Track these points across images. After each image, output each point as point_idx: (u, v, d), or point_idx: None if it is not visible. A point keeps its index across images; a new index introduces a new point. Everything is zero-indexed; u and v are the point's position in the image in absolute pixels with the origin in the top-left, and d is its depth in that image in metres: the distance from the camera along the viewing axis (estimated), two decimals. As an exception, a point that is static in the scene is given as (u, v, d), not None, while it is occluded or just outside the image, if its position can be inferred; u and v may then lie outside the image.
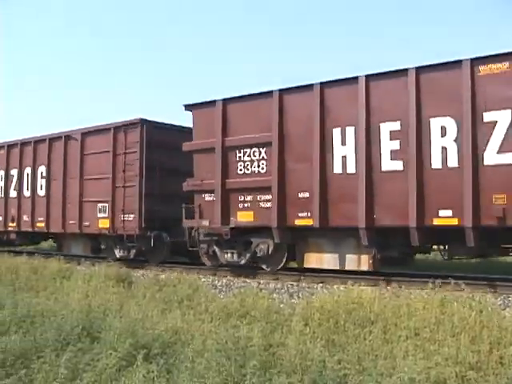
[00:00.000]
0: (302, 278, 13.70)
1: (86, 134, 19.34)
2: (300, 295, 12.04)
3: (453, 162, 11.34)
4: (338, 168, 12.82)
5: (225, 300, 10.53)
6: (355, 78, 12.69)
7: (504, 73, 10.97)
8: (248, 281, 13.82)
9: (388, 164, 12.12)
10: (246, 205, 14.53)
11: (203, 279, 14.21)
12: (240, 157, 14.67)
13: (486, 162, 11.02)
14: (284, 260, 14.49)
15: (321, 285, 12.82)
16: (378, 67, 12.65)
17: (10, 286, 12.48)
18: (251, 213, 14.42)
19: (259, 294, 10.65)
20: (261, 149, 14.26)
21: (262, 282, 13.56)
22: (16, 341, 6.86)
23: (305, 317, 8.55)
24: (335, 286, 12.27)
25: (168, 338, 7.27)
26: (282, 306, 10.36)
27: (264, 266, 14.81)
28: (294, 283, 13.24)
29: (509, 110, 10.84)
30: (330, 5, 69.10)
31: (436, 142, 11.55)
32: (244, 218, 14.57)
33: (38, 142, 21.14)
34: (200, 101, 15.64)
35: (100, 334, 7.40)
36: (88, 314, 8.21)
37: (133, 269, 16.00)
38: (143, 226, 17.02)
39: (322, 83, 13.20)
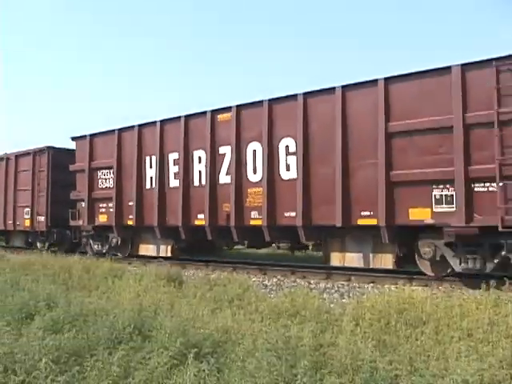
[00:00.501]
0: (353, 277, 13.65)
1: (18, 156, 25.56)
2: (350, 295, 11.98)
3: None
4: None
5: (275, 300, 10.52)
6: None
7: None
8: (298, 280, 13.81)
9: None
10: (102, 210, 20.00)
11: (253, 279, 14.25)
12: (100, 176, 20.27)
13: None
14: (129, 248, 19.69)
15: (371, 284, 12.76)
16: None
17: (63, 285, 12.66)
18: (106, 216, 19.81)
19: (309, 294, 10.62)
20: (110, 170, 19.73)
21: (312, 281, 13.54)
22: (69, 339, 6.94)
23: (355, 317, 8.49)
24: (386, 286, 12.19)
25: (218, 338, 7.28)
26: (332, 305, 10.31)
27: (118, 253, 19.94)
28: (345, 283, 13.19)
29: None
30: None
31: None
32: (102, 219, 20.02)
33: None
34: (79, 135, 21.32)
35: (151, 332, 7.45)
36: (139, 313, 8.28)
37: (183, 268, 16.11)
38: (49, 224, 23.50)
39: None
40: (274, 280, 14.10)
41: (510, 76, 11.18)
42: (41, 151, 24.29)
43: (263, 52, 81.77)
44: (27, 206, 24.67)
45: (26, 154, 25.14)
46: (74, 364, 6.27)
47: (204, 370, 5.74)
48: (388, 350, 6.87)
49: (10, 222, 25.72)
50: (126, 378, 5.86)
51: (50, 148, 24.01)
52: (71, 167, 21.52)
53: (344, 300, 11.44)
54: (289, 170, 14.36)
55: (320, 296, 11.12)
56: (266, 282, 13.91)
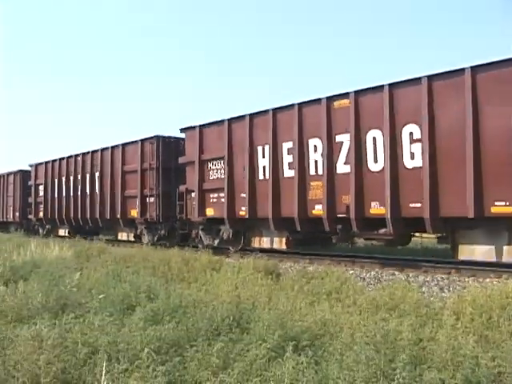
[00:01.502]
0: (453, 270, 13.34)
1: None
2: (450, 288, 11.71)
3: None
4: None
5: (373, 293, 10.41)
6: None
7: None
8: (396, 273, 13.61)
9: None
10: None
11: (351, 271, 14.14)
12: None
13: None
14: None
15: (472, 278, 12.42)
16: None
17: (163, 278, 12.93)
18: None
19: (408, 287, 10.45)
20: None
21: (410, 274, 13.31)
22: (170, 329, 7.08)
23: (456, 311, 8.30)
24: (487, 280, 11.85)
25: (316, 330, 7.28)
26: (431, 299, 10.12)
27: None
28: (444, 276, 12.89)
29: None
30: None
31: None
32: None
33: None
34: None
35: (249, 325, 7.51)
36: (238, 306, 8.35)
37: (280, 261, 16.15)
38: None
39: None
40: (372, 273, 13.95)
41: None
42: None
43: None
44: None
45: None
46: (175, 354, 6.39)
47: (302, 363, 5.74)
48: (490, 345, 6.68)
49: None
50: (225, 369, 5.92)
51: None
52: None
53: (444, 294, 11.21)
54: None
55: (419, 289, 10.94)
56: (364, 275, 13.78)
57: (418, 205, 13.34)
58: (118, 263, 15.57)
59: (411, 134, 13.65)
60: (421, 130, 13.37)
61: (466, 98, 12.48)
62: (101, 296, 9.30)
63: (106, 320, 7.64)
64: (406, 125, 13.72)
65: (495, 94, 12.15)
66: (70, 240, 23.37)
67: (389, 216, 13.89)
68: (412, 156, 13.62)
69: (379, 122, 14.22)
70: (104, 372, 5.02)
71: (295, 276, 12.65)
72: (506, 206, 11.88)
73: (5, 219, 38.61)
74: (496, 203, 12.04)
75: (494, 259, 12.67)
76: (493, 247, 12.66)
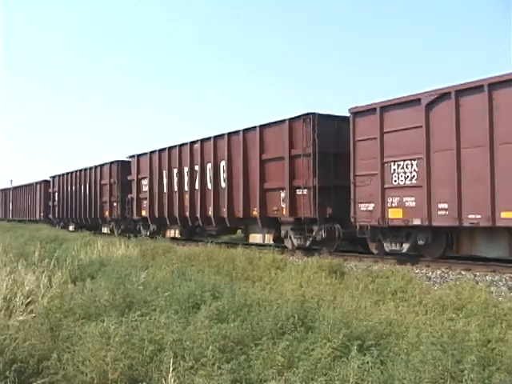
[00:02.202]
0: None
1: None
2: (520, 288, 11.44)
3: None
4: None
5: (439, 292, 10.26)
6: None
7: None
8: (463, 273, 13.35)
9: None
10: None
11: (416, 271, 13.95)
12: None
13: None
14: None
15: (543, 278, 12.11)
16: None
17: (227, 276, 12.99)
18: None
19: (476, 287, 10.25)
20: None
21: (478, 274, 13.05)
22: (235, 328, 7.11)
23: (526, 312, 8.12)
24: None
25: (382, 330, 7.20)
26: (500, 299, 9.90)
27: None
28: (513, 275, 12.60)
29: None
30: None
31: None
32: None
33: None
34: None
35: (314, 324, 7.48)
36: (302, 304, 8.32)
37: (344, 260, 16.06)
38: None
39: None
40: (438, 272, 13.73)
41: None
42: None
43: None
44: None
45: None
46: (240, 352, 6.42)
47: (368, 363, 5.69)
48: None
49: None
50: (289, 367, 5.93)
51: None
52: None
53: (513, 294, 10.97)
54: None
55: (487, 289, 10.71)
56: (430, 274, 13.57)
57: (224, 209, 22.17)
58: (183, 262, 15.71)
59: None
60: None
61: None
62: (166, 294, 9.40)
63: (172, 318, 7.73)
64: (208, 163, 23.65)
65: None
66: (136, 239, 23.58)
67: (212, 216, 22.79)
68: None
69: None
70: (171, 369, 5.07)
71: (360, 275, 12.55)
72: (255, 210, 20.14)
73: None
74: (254, 209, 20.54)
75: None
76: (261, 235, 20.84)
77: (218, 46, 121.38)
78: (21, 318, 7.70)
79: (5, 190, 63.43)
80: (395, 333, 7.15)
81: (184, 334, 6.94)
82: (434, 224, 14.54)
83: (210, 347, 6.16)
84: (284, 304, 8.23)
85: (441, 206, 14.45)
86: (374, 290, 10.71)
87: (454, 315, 8.10)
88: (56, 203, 43.74)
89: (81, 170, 39.04)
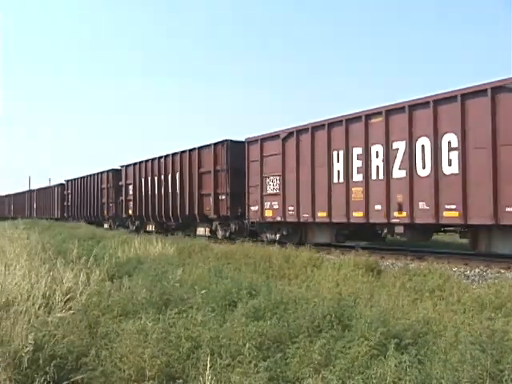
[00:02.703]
0: None
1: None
2: None
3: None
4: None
5: (478, 290, 10.12)
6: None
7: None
8: (502, 271, 13.17)
9: None
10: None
11: (454, 269, 13.79)
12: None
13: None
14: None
15: None
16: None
17: (264, 274, 12.99)
18: None
19: (516, 285, 10.10)
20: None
21: (518, 272, 12.86)
22: (271, 326, 7.10)
23: None
24: None
25: (419, 329, 7.14)
26: (541, 298, 9.75)
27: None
28: (556, 274, 12.39)
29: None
30: None
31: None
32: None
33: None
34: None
35: (351, 322, 7.44)
36: (339, 302, 8.28)
37: (381, 258, 15.96)
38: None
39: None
40: (476, 270, 13.55)
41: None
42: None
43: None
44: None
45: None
46: (276, 350, 6.42)
47: (405, 362, 5.65)
48: None
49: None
50: (326, 365, 5.91)
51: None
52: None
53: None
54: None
55: (527, 288, 10.55)
56: (468, 273, 13.40)
57: (178, 210, 28.86)
58: (220, 260, 15.76)
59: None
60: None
61: None
62: (203, 292, 9.44)
63: (209, 315, 7.77)
64: (168, 174, 31.64)
65: None
66: (172, 237, 23.79)
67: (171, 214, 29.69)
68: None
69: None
70: (208, 366, 5.09)
71: (397, 273, 12.45)
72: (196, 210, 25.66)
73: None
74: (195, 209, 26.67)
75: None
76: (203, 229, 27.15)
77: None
78: (60, 314, 7.80)
79: (30, 192, 71.48)
80: (433, 332, 7.08)
81: (221, 331, 6.97)
82: (288, 220, 21.18)
83: (247, 345, 6.18)
84: (320, 302, 8.20)
85: (290, 208, 20.94)
86: (412, 288, 10.61)
87: (492, 314, 7.98)
88: (70, 203, 51.68)
89: (86, 177, 46.99)
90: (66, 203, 53.00)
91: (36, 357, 6.23)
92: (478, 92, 14.28)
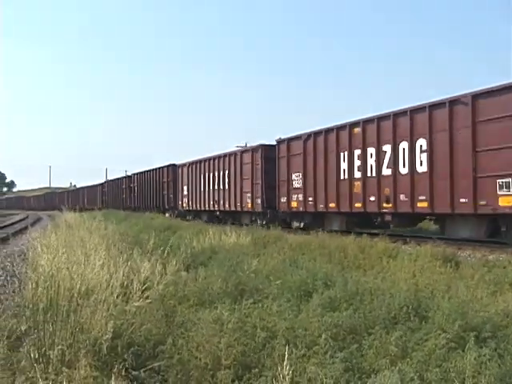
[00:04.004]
0: None
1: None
2: None
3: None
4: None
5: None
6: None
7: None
8: None
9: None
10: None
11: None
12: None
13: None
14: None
15: None
16: None
17: (339, 265, 12.92)
18: None
19: None
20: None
21: None
22: (347, 317, 7.06)
23: None
24: None
25: (499, 321, 6.97)
26: None
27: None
28: None
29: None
30: None
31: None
32: None
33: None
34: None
35: (428, 314, 7.34)
36: (415, 294, 8.17)
37: (458, 249, 15.68)
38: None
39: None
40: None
41: None
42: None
43: None
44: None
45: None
46: (352, 341, 6.38)
47: (485, 355, 5.53)
48: None
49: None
50: (403, 358, 5.83)
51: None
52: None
53: None
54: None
55: None
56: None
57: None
58: (295, 250, 15.74)
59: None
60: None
61: None
62: (278, 282, 9.46)
63: (284, 306, 7.77)
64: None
65: None
66: (247, 227, 23.90)
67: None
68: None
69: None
70: (286, 357, 5.09)
71: (475, 264, 12.20)
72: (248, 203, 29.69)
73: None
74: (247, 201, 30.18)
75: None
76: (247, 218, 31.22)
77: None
78: (137, 303, 7.94)
79: (102, 184, 75.69)
80: (513, 324, 6.91)
81: (296, 321, 6.97)
82: (308, 210, 25.56)
83: (323, 335, 6.16)
84: (397, 293, 8.11)
85: (310, 199, 25.15)
86: (491, 280, 10.36)
87: None
88: (136, 194, 55.97)
89: (149, 171, 51.49)
90: (132, 194, 57.76)
91: (115, 344, 6.36)
92: (440, 104, 18.22)
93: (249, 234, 19.46)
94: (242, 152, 32.47)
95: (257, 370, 5.74)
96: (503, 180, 15.76)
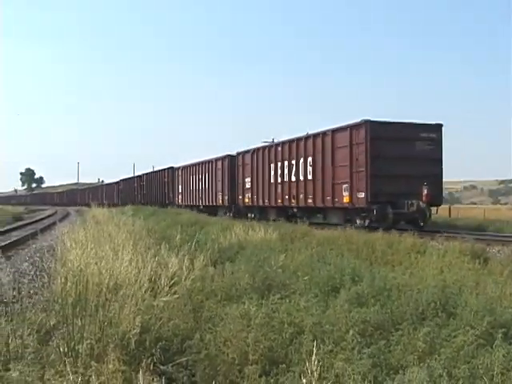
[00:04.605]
0: None
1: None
2: None
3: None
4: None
5: None
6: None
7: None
8: None
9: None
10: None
11: None
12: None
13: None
14: None
15: None
16: None
17: (367, 260, 12.88)
18: None
19: None
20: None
21: None
22: (374, 312, 7.04)
23: None
24: None
25: (529, 318, 6.92)
26: None
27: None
28: None
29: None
30: None
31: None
32: None
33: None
34: None
35: (456, 310, 7.29)
36: (443, 290, 8.12)
37: (487, 245, 15.55)
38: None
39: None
40: None
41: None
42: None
43: None
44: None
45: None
46: (380, 337, 6.36)
47: (513, 353, 5.49)
48: None
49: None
50: (431, 354, 5.82)
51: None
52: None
53: None
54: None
55: None
56: None
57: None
58: (322, 245, 15.70)
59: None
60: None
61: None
62: (306, 278, 9.45)
63: (311, 301, 7.76)
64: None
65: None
66: (274, 223, 23.89)
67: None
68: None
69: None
70: (314, 352, 5.09)
71: (504, 260, 12.09)
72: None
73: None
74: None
75: None
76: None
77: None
78: (165, 298, 7.97)
79: (118, 182, 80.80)
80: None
81: (323, 317, 6.96)
82: (255, 205, 35.47)
83: (350, 331, 6.16)
84: (424, 289, 8.07)
85: (255, 197, 35.57)
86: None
87: None
88: (145, 192, 62.62)
89: (153, 172, 61.65)
90: (142, 192, 63.48)
91: (143, 339, 6.42)
92: (318, 134, 27.62)
93: (276, 229, 19.43)
94: (216, 160, 41.63)
95: (284, 365, 5.76)
96: (345, 185, 24.31)
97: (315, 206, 27.53)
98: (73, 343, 6.01)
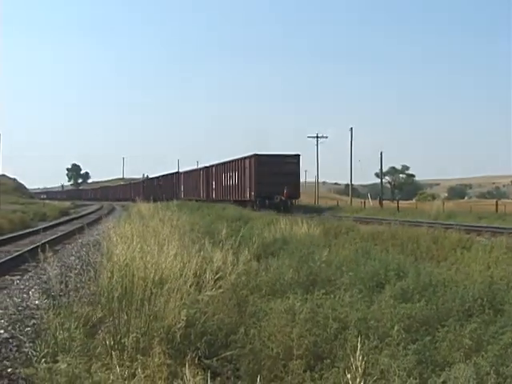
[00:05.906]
0: None
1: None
2: None
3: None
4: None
5: None
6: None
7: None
8: None
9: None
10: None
11: None
12: None
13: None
14: None
15: None
16: None
17: (411, 256, 12.77)
18: None
19: None
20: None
21: None
22: (420, 308, 6.98)
23: None
24: None
25: None
26: None
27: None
28: None
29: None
30: None
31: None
32: None
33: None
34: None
35: (503, 306, 7.20)
36: (490, 286, 8.01)
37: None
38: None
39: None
40: None
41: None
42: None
43: None
44: None
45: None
46: (425, 333, 6.31)
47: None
48: None
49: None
50: (477, 351, 5.74)
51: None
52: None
53: None
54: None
55: None
56: None
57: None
58: (367, 241, 15.61)
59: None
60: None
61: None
62: (350, 273, 9.42)
63: (356, 297, 7.73)
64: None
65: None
66: (318, 218, 23.77)
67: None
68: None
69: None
70: (359, 347, 5.08)
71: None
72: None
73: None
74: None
75: None
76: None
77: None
78: (210, 293, 8.00)
79: (143, 181, 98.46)
80: None
81: (368, 313, 6.94)
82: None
83: (395, 327, 6.11)
84: (471, 285, 7.97)
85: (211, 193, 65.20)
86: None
87: None
88: (162, 190, 74.64)
89: (166, 174, 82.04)
90: (160, 190, 75.40)
91: (188, 333, 6.46)
92: (229, 162, 56.17)
93: (320, 224, 19.38)
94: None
95: (329, 360, 5.75)
96: (248, 188, 46.47)
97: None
98: (119, 336, 6.10)
